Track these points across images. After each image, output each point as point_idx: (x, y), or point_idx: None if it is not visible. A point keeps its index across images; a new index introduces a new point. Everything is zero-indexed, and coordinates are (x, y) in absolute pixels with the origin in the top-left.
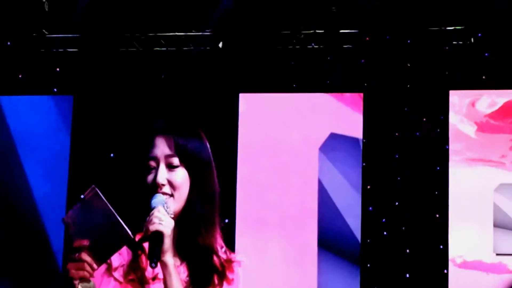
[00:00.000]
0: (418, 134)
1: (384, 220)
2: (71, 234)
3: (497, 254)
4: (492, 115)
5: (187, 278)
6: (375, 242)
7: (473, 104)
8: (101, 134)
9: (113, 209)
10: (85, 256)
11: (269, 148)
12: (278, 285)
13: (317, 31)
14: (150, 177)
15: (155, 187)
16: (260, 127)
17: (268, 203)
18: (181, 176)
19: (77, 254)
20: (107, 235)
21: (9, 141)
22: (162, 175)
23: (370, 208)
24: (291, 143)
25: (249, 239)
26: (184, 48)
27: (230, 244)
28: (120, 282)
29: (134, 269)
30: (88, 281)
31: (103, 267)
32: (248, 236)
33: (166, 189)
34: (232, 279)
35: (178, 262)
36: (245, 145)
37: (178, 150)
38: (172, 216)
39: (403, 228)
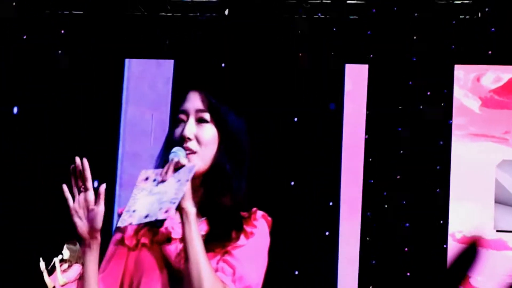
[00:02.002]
0: (421, 107)
1: (385, 193)
2: None
3: (498, 231)
4: (496, 91)
5: (205, 233)
6: (375, 215)
7: (478, 79)
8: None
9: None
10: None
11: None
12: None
13: (324, 1)
14: (178, 130)
15: (182, 141)
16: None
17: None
18: (209, 133)
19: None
20: None
21: None
22: (190, 128)
23: (371, 180)
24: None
25: (353, 223)
26: (190, 14)
27: (334, 227)
28: (132, 248)
29: (146, 232)
30: (74, 243)
31: (117, 235)
32: (351, 220)
33: (193, 144)
34: (251, 232)
35: (199, 217)
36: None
37: (210, 106)
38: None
39: (404, 201)
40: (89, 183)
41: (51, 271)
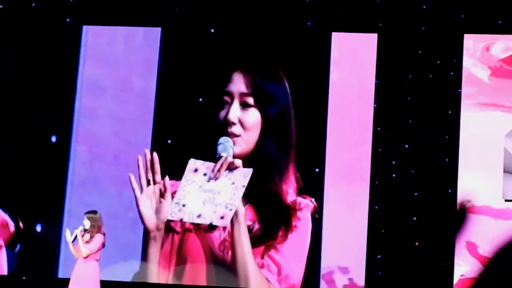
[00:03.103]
0: (431, 76)
1: (393, 162)
2: None
3: (506, 200)
4: (506, 60)
5: (251, 223)
6: (383, 184)
7: (487, 49)
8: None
9: None
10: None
11: (359, 95)
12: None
13: None
14: (222, 113)
15: (226, 124)
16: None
17: (359, 154)
18: (253, 117)
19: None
20: None
21: None
22: (234, 113)
23: (380, 149)
24: (362, 82)
25: (339, 191)
26: None
27: (318, 194)
28: (177, 232)
29: None
30: (95, 212)
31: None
32: (338, 187)
33: (236, 128)
34: (295, 226)
35: (243, 204)
36: (337, 91)
37: (254, 90)
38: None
39: (412, 171)
40: (159, 177)
41: (73, 242)
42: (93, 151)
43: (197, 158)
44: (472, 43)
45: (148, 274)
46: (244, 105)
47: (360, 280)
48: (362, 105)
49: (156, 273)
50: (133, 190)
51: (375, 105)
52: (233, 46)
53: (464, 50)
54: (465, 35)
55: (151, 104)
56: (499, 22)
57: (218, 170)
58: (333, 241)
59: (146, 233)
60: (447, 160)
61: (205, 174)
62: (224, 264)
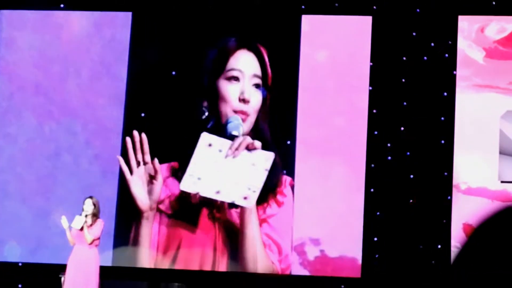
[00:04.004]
0: (425, 58)
1: (389, 144)
2: None
3: (502, 182)
4: (501, 42)
5: None
6: (379, 167)
7: (482, 30)
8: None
9: None
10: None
11: (333, 71)
12: (339, 209)
13: None
14: (234, 88)
15: (238, 102)
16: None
17: (331, 128)
18: (259, 99)
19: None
20: None
21: None
22: (249, 92)
23: (375, 132)
24: (357, 65)
25: (311, 163)
26: None
27: (290, 167)
28: (168, 214)
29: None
30: (91, 197)
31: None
32: (310, 160)
33: (249, 108)
34: (282, 202)
35: None
36: (307, 67)
37: (263, 72)
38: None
39: (408, 153)
40: (148, 157)
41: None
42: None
43: (172, 130)
44: (466, 24)
45: (139, 257)
46: (255, 86)
47: (332, 251)
48: (339, 83)
49: (148, 256)
50: (123, 172)
51: (371, 88)
52: (205, 21)
53: (458, 32)
54: (460, 17)
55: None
56: (493, 3)
57: (237, 149)
58: (305, 213)
59: (138, 214)
60: (442, 142)
61: (220, 151)
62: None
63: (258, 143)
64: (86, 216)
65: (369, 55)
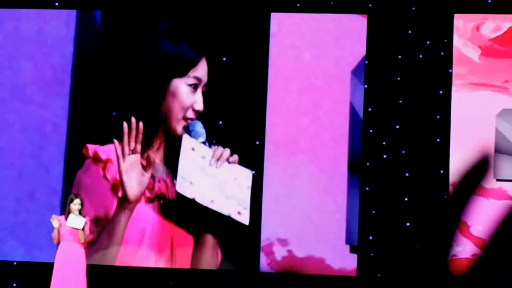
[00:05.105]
0: (421, 57)
1: (384, 143)
2: None
3: (498, 180)
4: (496, 40)
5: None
6: (374, 165)
7: (477, 28)
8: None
9: None
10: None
11: (300, 71)
12: (307, 208)
13: None
14: (191, 96)
15: (192, 111)
16: (291, 48)
17: (299, 127)
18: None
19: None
20: None
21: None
22: (201, 102)
23: (371, 130)
24: (323, 66)
25: (279, 163)
26: None
27: (259, 166)
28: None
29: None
30: (76, 195)
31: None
32: (278, 160)
33: (194, 116)
34: None
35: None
36: (276, 67)
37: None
38: None
39: (403, 151)
40: (139, 147)
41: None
42: None
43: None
44: (462, 23)
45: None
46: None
47: (299, 251)
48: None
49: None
50: (117, 157)
51: (366, 86)
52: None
53: (454, 30)
54: (455, 15)
55: None
56: (489, 1)
57: (218, 159)
58: (273, 214)
59: (121, 203)
60: (438, 140)
61: (203, 157)
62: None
63: (235, 157)
64: (79, 215)
65: (364, 54)
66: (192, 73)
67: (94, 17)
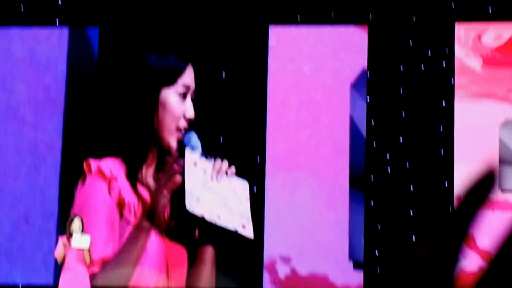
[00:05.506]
0: (423, 68)
1: (388, 156)
2: None
3: (503, 190)
4: (498, 49)
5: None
6: (378, 179)
7: (479, 38)
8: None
9: None
10: None
11: (299, 84)
12: (308, 224)
13: None
14: (181, 104)
15: (184, 120)
16: (290, 62)
17: (298, 141)
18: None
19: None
20: None
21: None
22: (192, 110)
23: (374, 143)
24: (322, 79)
25: (279, 178)
26: None
27: (261, 182)
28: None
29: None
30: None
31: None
32: (278, 175)
33: (187, 124)
34: None
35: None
36: (275, 81)
37: (196, 87)
38: None
39: (407, 164)
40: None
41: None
42: None
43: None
44: (463, 32)
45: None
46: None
47: (302, 268)
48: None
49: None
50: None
51: (368, 99)
52: None
53: (455, 40)
54: (456, 24)
55: None
56: (490, 9)
57: (218, 172)
58: (275, 230)
59: (145, 222)
60: (442, 152)
61: (205, 172)
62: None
63: (233, 169)
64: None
65: (365, 65)
66: (180, 81)
67: (87, 35)
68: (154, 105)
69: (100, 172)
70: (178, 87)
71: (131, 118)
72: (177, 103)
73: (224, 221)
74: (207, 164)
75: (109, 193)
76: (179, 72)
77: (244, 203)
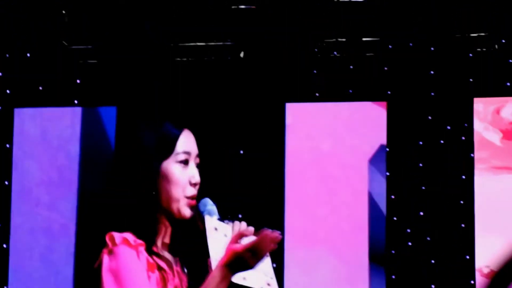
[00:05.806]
0: (442, 142)
1: (408, 230)
2: None
3: None
4: None
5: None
6: (399, 253)
7: (498, 111)
8: None
9: None
10: None
11: (317, 161)
12: None
13: (339, 39)
14: (184, 172)
15: (190, 186)
16: (307, 139)
17: (317, 217)
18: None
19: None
20: None
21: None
22: (197, 174)
23: (394, 217)
24: (340, 155)
25: (299, 255)
26: (205, 58)
27: (279, 259)
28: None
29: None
30: None
31: None
32: (298, 252)
33: (196, 190)
34: None
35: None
36: (293, 157)
37: (199, 152)
38: None
39: (428, 238)
40: None
41: None
42: None
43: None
44: (482, 106)
45: None
46: (197, 166)
47: None
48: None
49: None
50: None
51: (388, 174)
52: None
53: (474, 114)
54: (475, 99)
55: None
56: (508, 84)
57: (239, 234)
58: None
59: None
60: (463, 225)
61: (225, 235)
62: None
63: (251, 229)
64: None
65: (385, 140)
66: (179, 148)
67: (99, 114)
68: (155, 180)
69: (127, 241)
70: (178, 155)
71: (136, 195)
72: (180, 173)
73: (249, 281)
74: (227, 228)
75: (138, 258)
76: (175, 139)
77: (266, 261)
